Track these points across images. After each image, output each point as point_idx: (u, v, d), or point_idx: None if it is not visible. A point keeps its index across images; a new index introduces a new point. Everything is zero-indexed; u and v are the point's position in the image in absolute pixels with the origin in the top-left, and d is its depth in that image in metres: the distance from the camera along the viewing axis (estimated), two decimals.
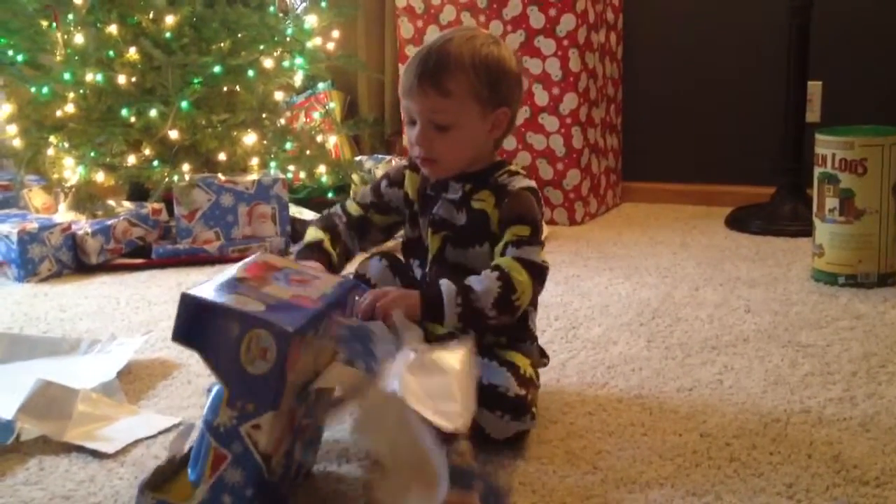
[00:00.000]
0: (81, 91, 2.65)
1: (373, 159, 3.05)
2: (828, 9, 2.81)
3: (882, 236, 2.15)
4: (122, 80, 2.63)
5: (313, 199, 2.91)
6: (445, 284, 1.34)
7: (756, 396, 1.55)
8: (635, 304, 2.08)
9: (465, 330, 1.33)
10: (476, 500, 1.09)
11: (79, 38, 2.62)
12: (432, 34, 2.95)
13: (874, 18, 2.90)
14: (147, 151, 2.69)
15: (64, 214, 2.61)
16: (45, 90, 2.62)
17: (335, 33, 3.16)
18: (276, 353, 1.06)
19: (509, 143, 2.93)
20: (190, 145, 2.69)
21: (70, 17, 2.65)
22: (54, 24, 2.65)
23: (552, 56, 2.85)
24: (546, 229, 2.34)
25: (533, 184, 1.43)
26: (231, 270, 1.20)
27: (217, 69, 2.66)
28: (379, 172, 2.87)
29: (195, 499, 1.12)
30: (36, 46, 2.67)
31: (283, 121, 2.98)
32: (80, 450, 1.41)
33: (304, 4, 3.07)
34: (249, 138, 2.75)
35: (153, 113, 2.61)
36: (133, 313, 2.12)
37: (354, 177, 2.86)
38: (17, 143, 2.69)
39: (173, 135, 2.64)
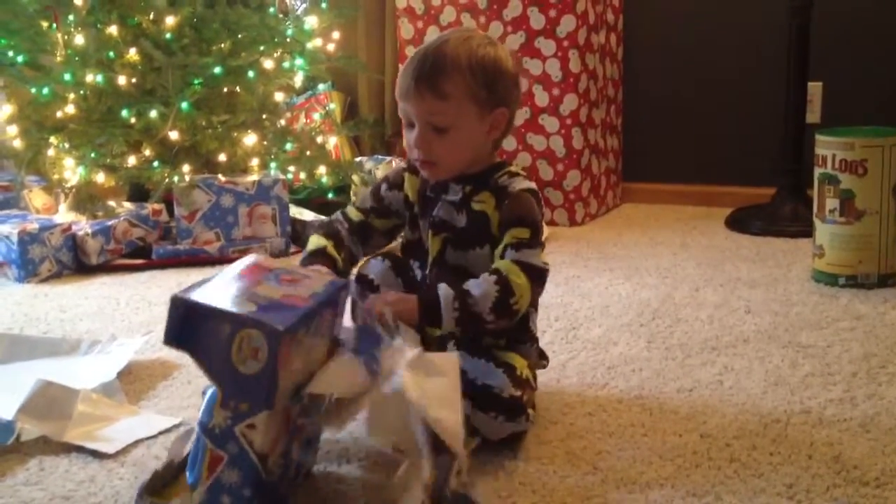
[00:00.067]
0: (82, 92, 2.65)
1: (373, 160, 3.05)
2: (828, 9, 2.81)
3: (882, 237, 2.15)
4: (122, 80, 2.63)
5: (313, 199, 2.92)
6: (443, 289, 1.34)
7: (756, 397, 1.55)
8: (635, 304, 2.08)
9: (463, 334, 1.33)
10: None
11: (79, 39, 2.62)
12: (432, 35, 2.94)
13: (874, 19, 2.90)
14: (147, 152, 2.69)
15: (64, 215, 2.61)
16: (45, 91, 2.63)
17: (335, 34, 3.16)
18: (267, 352, 1.06)
19: (509, 143, 2.93)
20: (190, 146, 2.69)
21: (70, 17, 2.65)
22: (55, 25, 2.66)
23: (552, 57, 2.86)
24: (546, 230, 2.35)
25: (533, 185, 1.43)
26: (221, 272, 1.20)
27: (217, 70, 2.66)
28: (379, 173, 2.87)
29: (193, 501, 1.12)
30: (36, 47, 2.67)
31: (283, 122, 2.98)
32: (81, 450, 1.41)
33: (304, 5, 3.07)
34: (250, 139, 2.75)
35: (153, 114, 2.61)
36: (133, 314, 2.12)
37: (355, 178, 2.86)
38: (18, 143, 2.69)
39: (173, 136, 2.64)
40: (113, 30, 2.65)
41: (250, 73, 2.76)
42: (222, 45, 2.74)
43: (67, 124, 2.65)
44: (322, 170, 2.88)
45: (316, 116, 3.23)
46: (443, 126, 1.37)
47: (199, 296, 1.11)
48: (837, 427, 1.43)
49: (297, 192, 2.91)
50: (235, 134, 2.74)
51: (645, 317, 1.99)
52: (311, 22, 2.97)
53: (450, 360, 1.21)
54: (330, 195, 2.91)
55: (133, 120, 2.64)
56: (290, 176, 2.81)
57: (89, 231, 2.48)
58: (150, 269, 2.51)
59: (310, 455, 1.30)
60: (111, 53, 2.66)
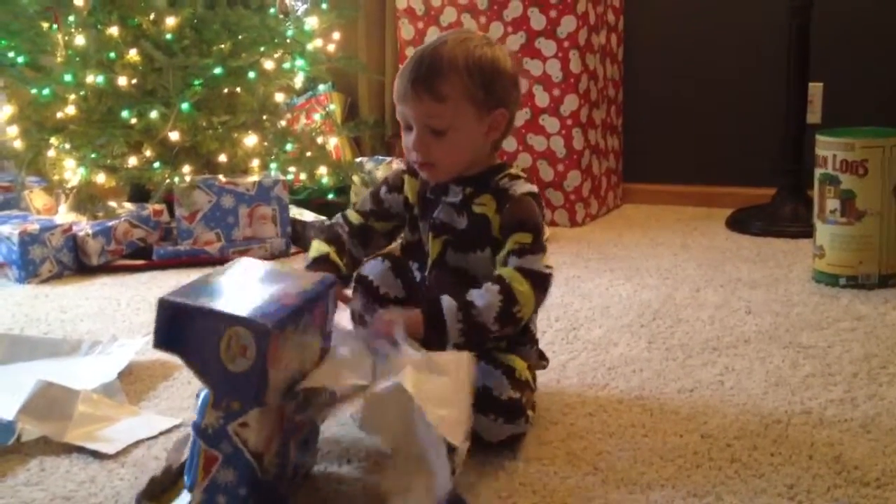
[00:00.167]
0: (82, 93, 2.65)
1: (373, 161, 3.05)
2: (828, 9, 2.81)
3: (883, 237, 2.15)
4: (122, 81, 2.63)
5: (314, 200, 2.92)
6: (446, 301, 1.33)
7: (757, 397, 1.55)
8: (636, 305, 2.08)
9: (468, 345, 1.33)
10: None
11: (80, 40, 2.62)
12: (433, 36, 2.94)
13: (875, 19, 2.90)
14: (148, 153, 2.69)
15: (65, 216, 2.61)
16: (45, 92, 2.63)
17: (336, 35, 3.16)
18: (255, 349, 1.06)
19: (510, 144, 2.93)
20: (191, 147, 2.69)
21: (71, 18, 2.65)
22: (55, 26, 2.66)
23: (553, 57, 2.86)
24: (547, 231, 2.34)
25: (534, 188, 1.42)
26: (208, 274, 1.20)
27: (218, 71, 2.66)
28: (379, 174, 2.87)
29: (191, 502, 1.12)
30: (37, 48, 2.67)
31: (283, 122, 2.98)
32: (81, 450, 1.41)
33: (304, 6, 3.07)
34: (250, 140, 2.75)
35: (154, 114, 2.61)
36: (134, 314, 2.13)
37: (355, 178, 2.86)
38: (18, 144, 2.69)
39: (174, 136, 2.64)
40: (113, 30, 2.65)
41: (251, 74, 2.76)
42: (223, 46, 2.74)
43: (68, 125, 2.65)
44: (322, 170, 2.88)
45: (316, 117, 3.23)
46: (440, 128, 1.36)
47: (185, 297, 1.12)
48: (838, 427, 1.43)
49: (298, 192, 2.91)
50: (236, 135, 2.74)
51: (645, 317, 1.99)
52: (312, 23, 2.97)
53: (456, 359, 1.21)
54: (330, 196, 2.91)
55: (133, 121, 2.64)
56: (290, 177, 2.81)
57: (90, 232, 2.48)
58: (150, 270, 2.51)
59: (308, 455, 1.30)
60: (112, 54, 2.66)
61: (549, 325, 1.93)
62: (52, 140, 2.64)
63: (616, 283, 2.27)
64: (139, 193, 2.79)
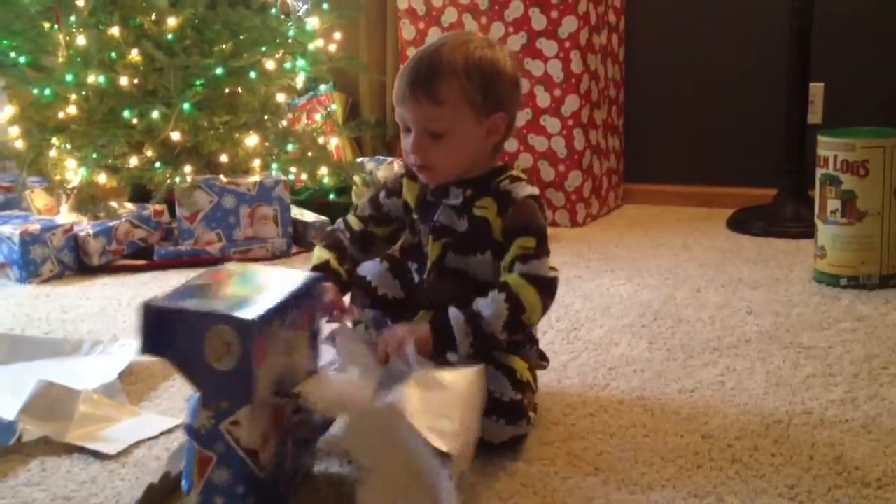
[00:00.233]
0: (83, 93, 2.65)
1: (374, 161, 3.05)
2: (829, 10, 2.81)
3: (884, 238, 2.15)
4: (124, 81, 2.63)
5: (315, 200, 2.92)
6: (454, 314, 1.33)
7: (758, 398, 1.55)
8: (637, 305, 2.08)
9: (477, 355, 1.33)
10: None
11: (81, 40, 2.62)
12: (434, 36, 2.95)
13: (875, 20, 2.90)
14: (149, 153, 2.69)
15: (66, 216, 2.61)
16: (47, 92, 2.63)
17: (337, 35, 3.16)
18: (240, 346, 1.07)
19: (511, 144, 2.93)
20: (192, 147, 2.69)
21: (72, 18, 2.65)
22: (56, 26, 2.66)
23: (554, 58, 2.86)
24: (548, 231, 2.34)
25: (536, 191, 1.41)
26: (191, 279, 1.21)
27: (219, 71, 2.66)
28: (380, 174, 2.87)
29: None
30: (38, 48, 2.67)
31: (284, 122, 2.98)
32: (82, 451, 1.41)
33: (305, 6, 3.07)
34: (251, 140, 2.75)
35: (155, 114, 2.61)
36: (135, 315, 2.12)
37: (356, 178, 2.86)
38: (20, 144, 2.69)
39: (175, 136, 2.64)
40: (115, 31, 2.65)
41: (252, 74, 2.76)
42: (224, 46, 2.74)
43: (69, 125, 2.65)
44: (323, 170, 2.88)
45: (317, 117, 3.23)
46: (438, 131, 1.35)
47: (168, 301, 1.13)
48: (839, 428, 1.42)
49: (299, 192, 2.91)
50: (237, 135, 2.74)
51: (646, 318, 1.99)
52: (313, 23, 2.97)
53: (465, 375, 1.22)
54: (331, 196, 2.91)
55: (135, 121, 2.64)
56: (291, 177, 2.81)
57: (91, 232, 2.48)
58: (151, 270, 2.51)
59: (308, 455, 1.30)
60: (113, 54, 2.66)
61: (550, 326, 1.93)
62: (54, 140, 2.65)
63: (617, 283, 2.27)
64: (140, 193, 2.79)
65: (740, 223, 2.83)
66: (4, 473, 1.35)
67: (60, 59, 2.63)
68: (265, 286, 1.18)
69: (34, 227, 2.43)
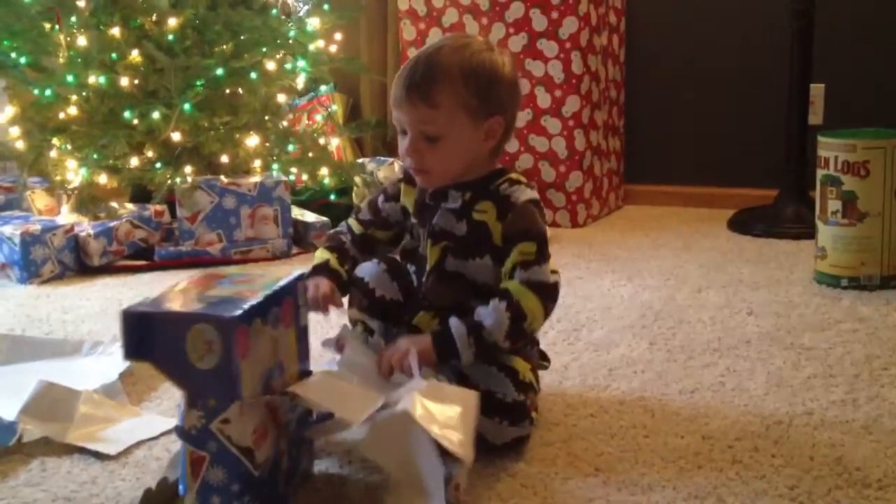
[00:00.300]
0: (84, 93, 2.65)
1: (375, 161, 3.06)
2: (829, 11, 2.81)
3: (885, 239, 2.15)
4: (124, 82, 2.63)
5: (315, 201, 2.92)
6: (455, 325, 1.33)
7: (758, 399, 1.55)
8: (637, 306, 2.08)
9: (481, 361, 1.34)
10: None
11: (82, 41, 2.62)
12: (434, 37, 2.95)
13: (875, 21, 2.90)
14: (150, 153, 2.69)
15: (66, 216, 2.61)
16: (47, 92, 2.63)
17: (337, 36, 3.16)
18: (221, 343, 1.07)
19: (511, 145, 2.93)
20: (192, 147, 2.70)
21: (73, 19, 2.65)
22: (57, 27, 2.66)
23: (554, 59, 2.86)
24: (548, 232, 2.34)
25: (535, 195, 1.41)
26: (174, 284, 1.22)
27: (219, 71, 2.66)
28: (381, 174, 2.87)
29: None
30: (39, 49, 2.67)
31: (285, 123, 2.98)
32: (83, 451, 1.41)
33: (306, 7, 3.07)
34: (252, 140, 2.75)
35: (156, 115, 2.61)
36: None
37: (357, 179, 2.86)
38: (20, 145, 2.69)
39: (176, 137, 2.64)
40: (115, 31, 2.65)
41: (252, 75, 2.76)
42: (224, 47, 2.74)
43: (70, 126, 2.65)
44: (324, 171, 2.88)
45: (318, 118, 3.23)
46: (434, 135, 1.35)
47: (148, 306, 1.13)
48: (840, 429, 1.42)
49: (300, 193, 2.91)
50: (238, 135, 2.74)
51: (647, 318, 1.99)
52: (314, 24, 2.97)
53: (467, 395, 1.23)
54: (332, 196, 2.91)
55: (135, 121, 2.64)
56: (292, 177, 2.81)
57: (91, 232, 2.48)
58: (152, 271, 2.51)
59: (307, 455, 1.30)
60: (114, 55, 2.66)
61: (551, 326, 1.93)
62: (54, 141, 2.65)
63: (617, 284, 2.27)
64: (141, 194, 2.79)
65: (741, 224, 2.83)
66: (5, 474, 1.35)
67: (61, 60, 2.63)
68: (249, 286, 1.19)
69: (35, 227, 2.43)
